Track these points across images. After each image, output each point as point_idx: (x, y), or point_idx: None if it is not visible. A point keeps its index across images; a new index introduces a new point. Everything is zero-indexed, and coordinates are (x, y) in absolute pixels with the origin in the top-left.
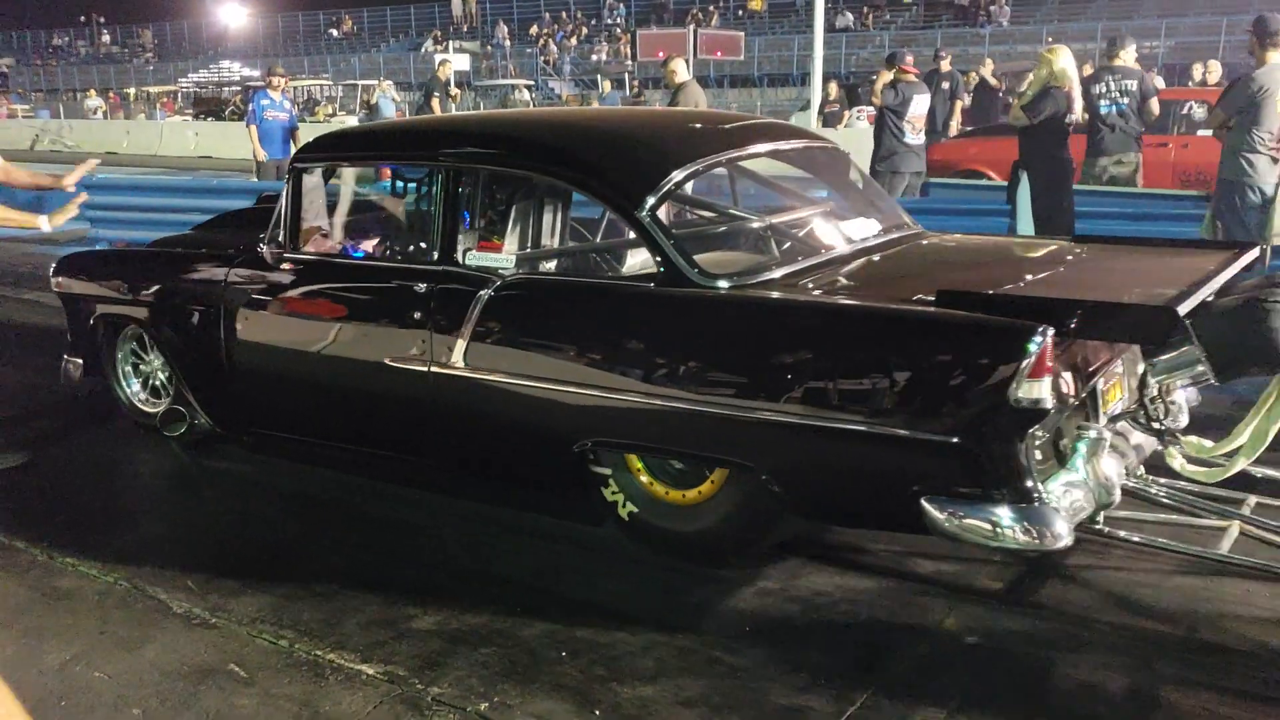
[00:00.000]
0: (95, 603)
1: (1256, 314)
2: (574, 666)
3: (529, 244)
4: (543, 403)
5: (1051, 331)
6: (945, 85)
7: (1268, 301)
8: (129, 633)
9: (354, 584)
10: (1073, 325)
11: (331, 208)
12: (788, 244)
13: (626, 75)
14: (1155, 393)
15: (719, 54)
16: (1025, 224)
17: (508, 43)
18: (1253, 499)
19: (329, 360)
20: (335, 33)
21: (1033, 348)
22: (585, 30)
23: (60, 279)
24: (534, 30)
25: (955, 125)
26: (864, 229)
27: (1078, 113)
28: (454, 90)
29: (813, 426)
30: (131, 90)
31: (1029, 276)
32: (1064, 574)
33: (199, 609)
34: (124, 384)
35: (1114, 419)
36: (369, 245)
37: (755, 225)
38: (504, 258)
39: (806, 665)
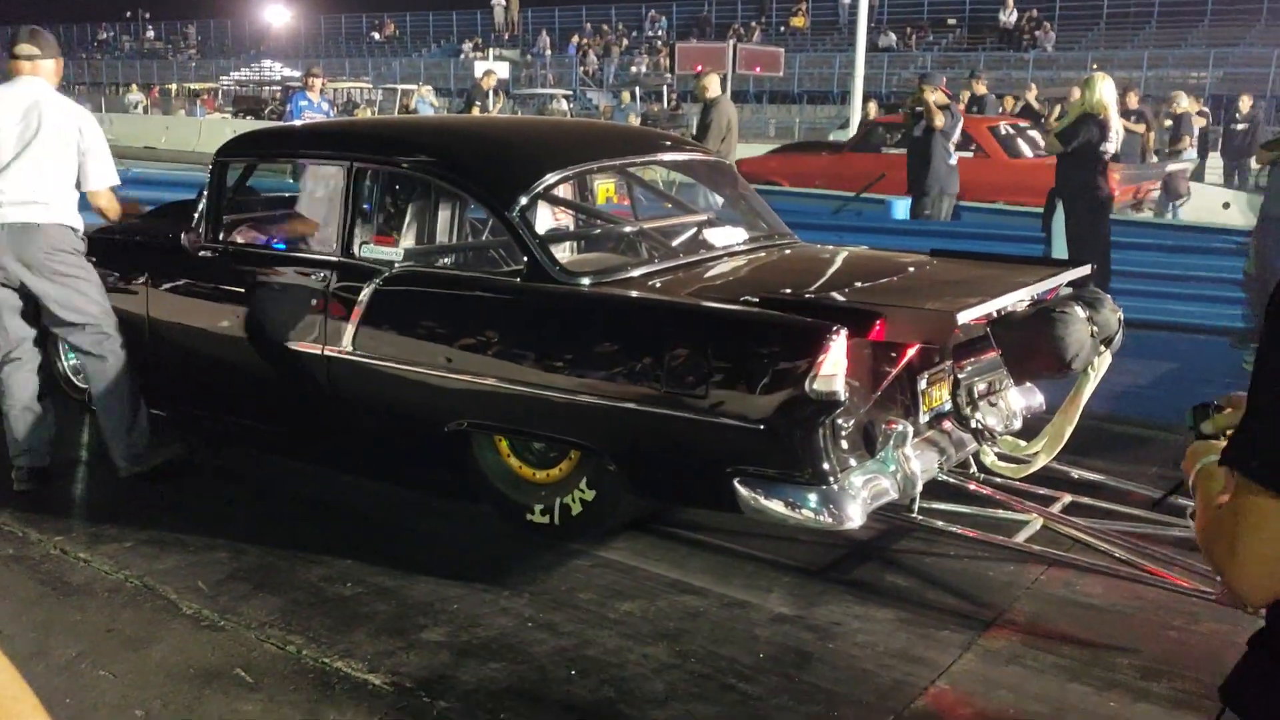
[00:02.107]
0: (105, 600)
1: (1047, 323)
2: (583, 686)
3: (421, 240)
4: (418, 386)
5: (845, 332)
6: (975, 110)
7: (1056, 312)
8: (137, 631)
9: (366, 591)
10: (870, 327)
11: (250, 202)
12: (653, 247)
13: (665, 88)
14: (966, 393)
15: (758, 69)
16: (1059, 252)
17: (548, 52)
18: (1067, 497)
19: (237, 343)
20: (377, 35)
21: (826, 345)
22: (625, 42)
23: None
24: (574, 40)
25: None
26: (730, 236)
27: (1115, 143)
28: (495, 101)
29: (644, 412)
30: (173, 86)
31: (858, 284)
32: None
33: (208, 610)
34: (60, 361)
35: (940, 417)
36: (280, 236)
37: (628, 229)
38: (395, 251)
39: (820, 695)
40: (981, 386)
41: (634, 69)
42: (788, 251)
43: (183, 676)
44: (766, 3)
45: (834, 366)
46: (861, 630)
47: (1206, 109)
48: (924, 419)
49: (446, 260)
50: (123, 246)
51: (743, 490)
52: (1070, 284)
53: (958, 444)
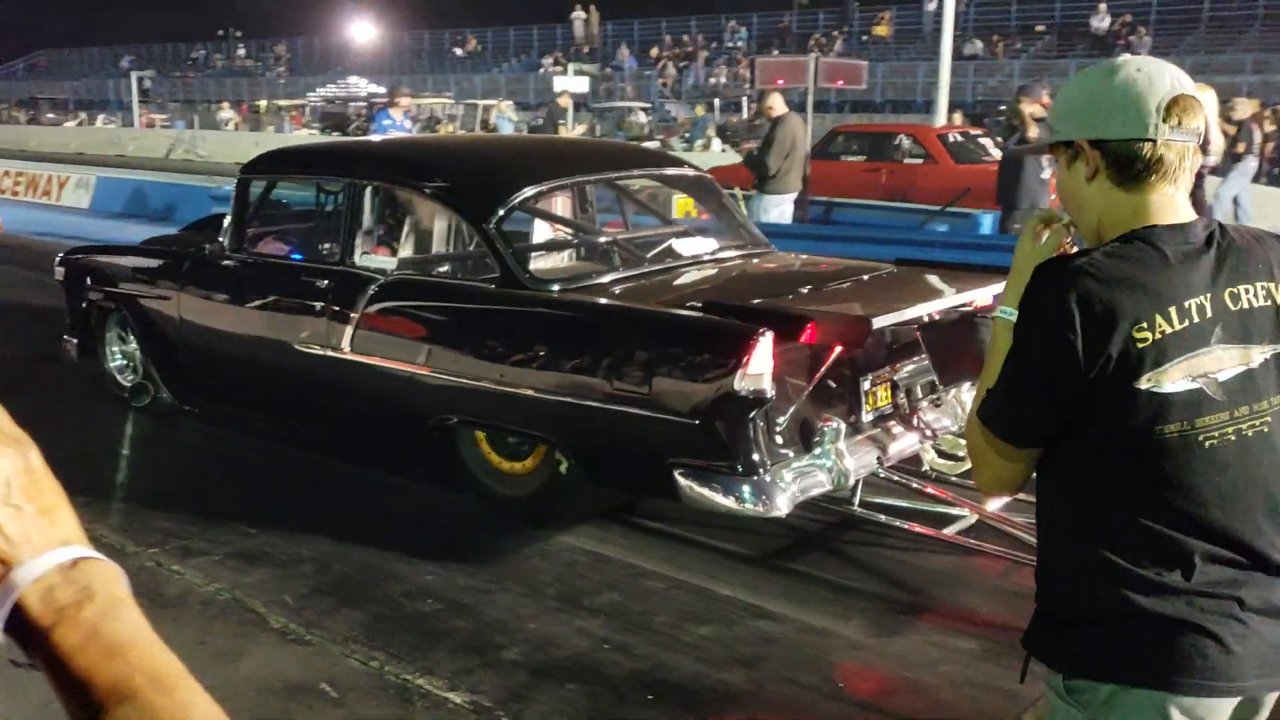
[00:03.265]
0: (198, 612)
1: (969, 328)
2: (660, 712)
3: (415, 250)
4: (404, 383)
5: (770, 334)
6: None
7: (979, 318)
8: (228, 644)
9: (444, 608)
10: (799, 331)
11: (268, 215)
12: (625, 256)
13: (745, 99)
14: (905, 393)
15: (840, 83)
16: None
17: (628, 65)
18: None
19: (253, 343)
20: (459, 51)
21: (752, 346)
22: (706, 54)
23: (61, 269)
24: (654, 52)
25: None
26: (699, 246)
27: (1214, 153)
28: (571, 120)
29: (595, 408)
30: (262, 103)
31: (802, 291)
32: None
33: (295, 624)
34: (109, 361)
35: (884, 416)
36: (293, 247)
37: (602, 240)
38: (389, 260)
39: None
40: (922, 387)
41: (713, 80)
42: (755, 261)
43: (271, 690)
44: (849, 11)
45: (760, 366)
46: (943, 660)
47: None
48: (867, 418)
49: (437, 269)
50: (160, 256)
51: (681, 480)
52: None
53: (900, 441)
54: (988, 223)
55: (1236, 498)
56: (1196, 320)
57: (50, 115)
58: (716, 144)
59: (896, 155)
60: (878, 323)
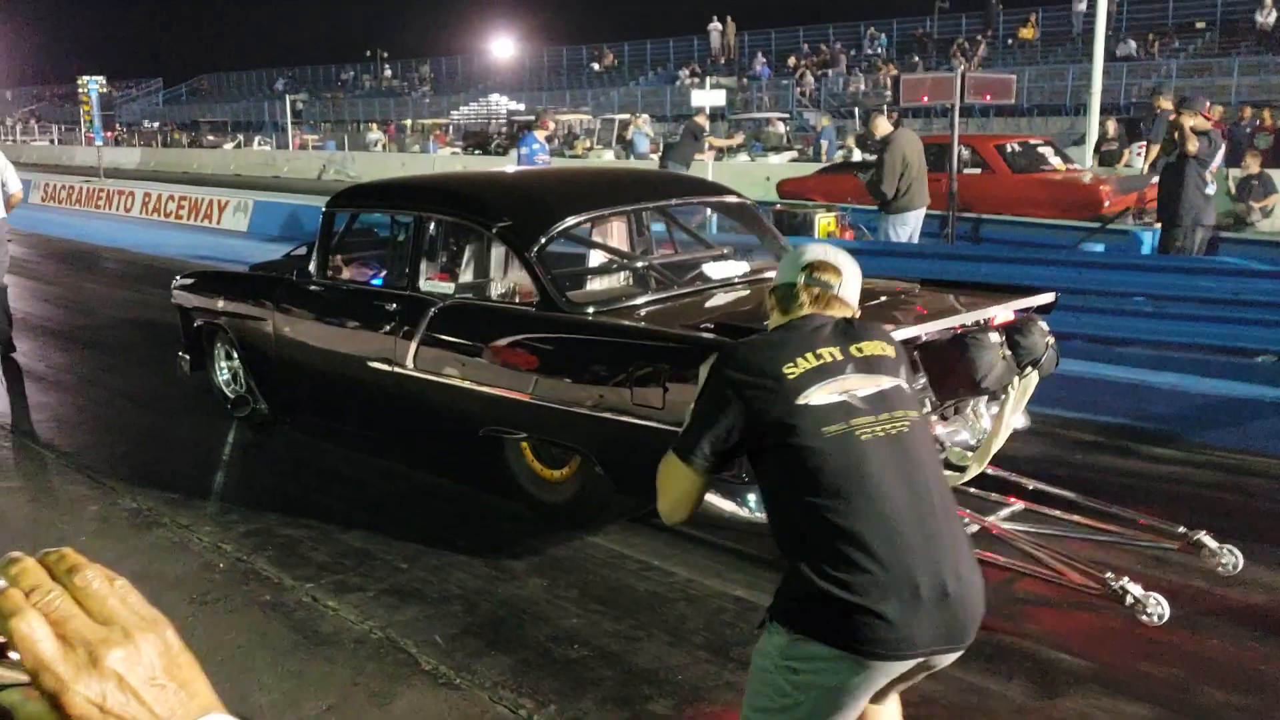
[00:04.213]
0: (351, 651)
1: (960, 347)
2: None
3: (471, 276)
4: (459, 396)
5: None
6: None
7: (970, 338)
8: (380, 686)
9: (592, 652)
10: None
11: (349, 244)
12: (659, 279)
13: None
14: None
15: (988, 98)
16: None
17: (764, 74)
18: (1020, 504)
19: (333, 359)
20: (596, 66)
21: None
22: (844, 61)
23: (176, 291)
24: (791, 61)
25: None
26: (730, 269)
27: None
28: (709, 136)
29: (619, 421)
30: (408, 122)
31: None
32: None
33: (445, 667)
34: (217, 376)
35: None
36: (369, 273)
37: (639, 264)
38: (448, 285)
39: None
40: (931, 403)
41: (853, 89)
42: None
43: None
44: (992, 15)
45: None
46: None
47: None
48: None
49: (488, 293)
50: (259, 280)
51: None
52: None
53: None
54: (1148, 240)
55: (892, 485)
56: (829, 360)
57: (210, 137)
58: (857, 154)
59: (945, 166)
60: None
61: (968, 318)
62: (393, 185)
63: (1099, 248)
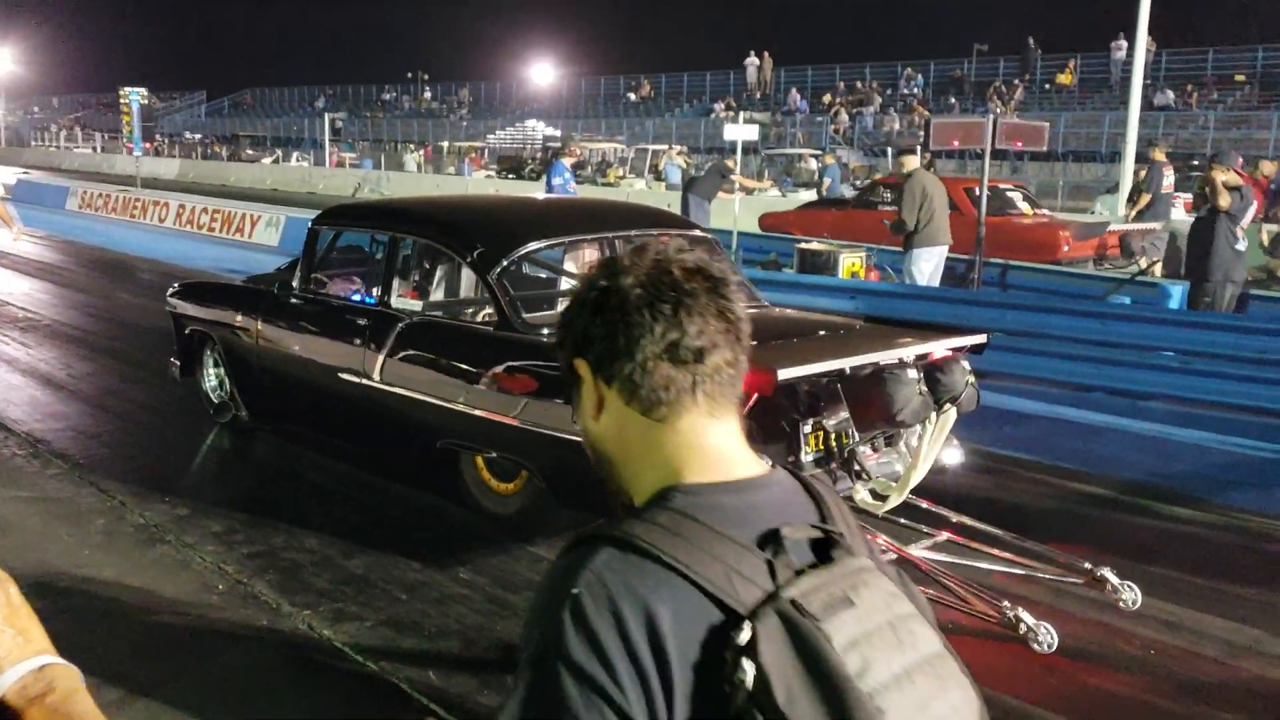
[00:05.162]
0: (343, 683)
1: (878, 381)
2: None
3: (438, 295)
4: (420, 409)
5: None
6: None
7: (888, 372)
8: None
9: None
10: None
11: (330, 260)
12: None
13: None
14: (836, 437)
15: (1019, 144)
16: None
17: (798, 111)
18: (941, 534)
19: (309, 369)
20: (632, 96)
21: None
22: (880, 100)
23: (170, 299)
24: (827, 99)
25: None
26: None
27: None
28: (735, 176)
29: (560, 438)
30: (445, 144)
31: (753, 343)
32: None
33: (440, 708)
34: (204, 382)
35: (823, 458)
36: (346, 288)
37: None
38: (416, 303)
39: None
40: (861, 434)
41: (887, 128)
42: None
43: None
44: (1030, 59)
45: None
46: None
47: None
48: (807, 458)
49: (453, 312)
50: (246, 291)
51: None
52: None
53: (837, 482)
54: (1177, 294)
55: None
56: None
57: (249, 151)
58: (849, 192)
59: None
60: (783, 374)
61: (895, 354)
62: (372, 206)
63: (1126, 300)
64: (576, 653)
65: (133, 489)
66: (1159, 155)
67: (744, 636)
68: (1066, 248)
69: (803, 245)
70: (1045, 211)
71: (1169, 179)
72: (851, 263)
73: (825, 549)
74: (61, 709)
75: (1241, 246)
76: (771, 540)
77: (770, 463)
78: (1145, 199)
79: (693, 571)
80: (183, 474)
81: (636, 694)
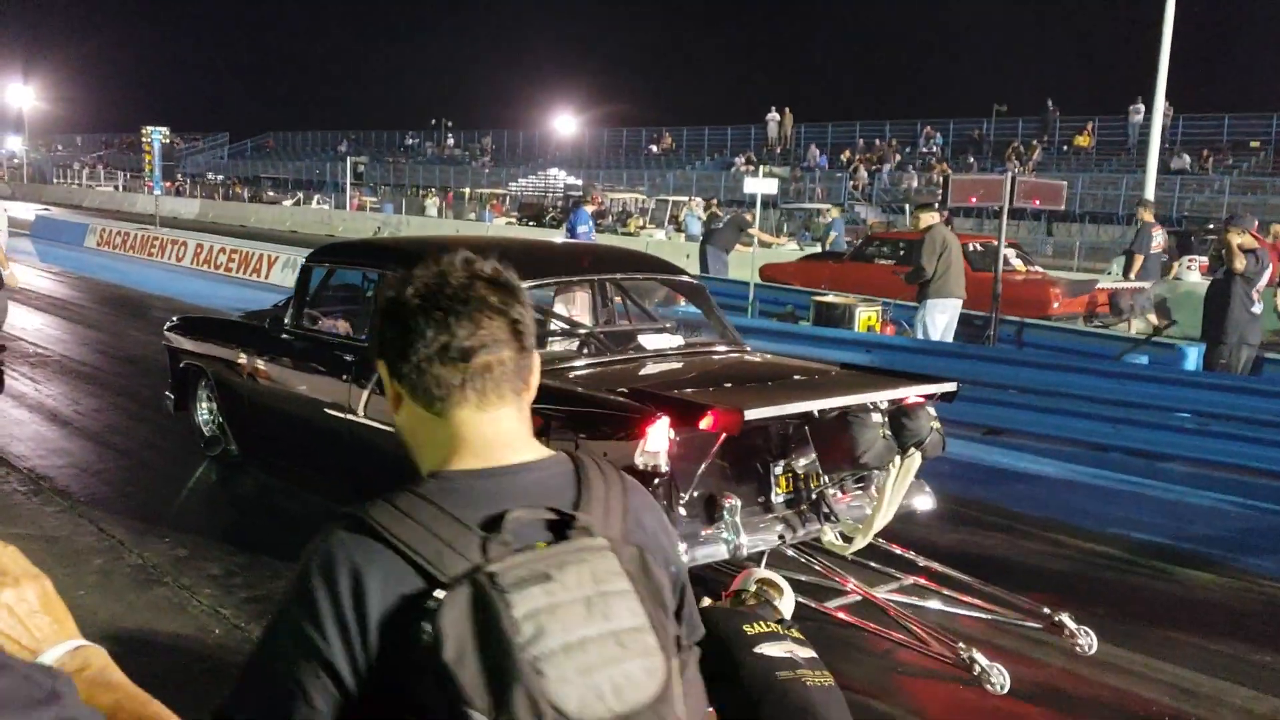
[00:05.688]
0: None
1: (844, 425)
2: None
3: None
4: (402, 445)
5: (665, 419)
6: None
7: (852, 415)
8: None
9: None
10: (698, 416)
11: (322, 296)
12: (596, 346)
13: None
14: (804, 479)
15: (1036, 203)
16: None
17: (817, 167)
18: (910, 578)
19: (297, 404)
20: (654, 148)
21: (647, 427)
22: (899, 158)
23: (167, 333)
24: (846, 155)
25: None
26: (665, 341)
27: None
28: (753, 230)
29: None
30: (467, 190)
31: (726, 385)
32: None
33: None
34: (196, 415)
35: (794, 500)
36: (336, 323)
37: (583, 331)
38: None
39: None
40: (831, 477)
41: (905, 185)
42: (714, 356)
43: None
44: (1049, 120)
45: (657, 444)
46: None
47: None
48: (778, 499)
49: None
50: (237, 326)
51: None
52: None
53: (806, 523)
54: (1193, 356)
55: None
56: None
57: (270, 193)
58: (844, 246)
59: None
60: (750, 414)
61: (862, 398)
62: (364, 244)
63: (1143, 359)
64: (294, 611)
65: (132, 528)
66: (1147, 216)
67: (432, 602)
68: (1057, 304)
69: (819, 298)
70: (1038, 268)
71: (1158, 239)
72: (868, 316)
73: (563, 528)
74: (100, 679)
75: (1257, 309)
76: (496, 521)
77: (555, 451)
78: (1139, 260)
79: (406, 546)
80: (183, 514)
81: (340, 646)
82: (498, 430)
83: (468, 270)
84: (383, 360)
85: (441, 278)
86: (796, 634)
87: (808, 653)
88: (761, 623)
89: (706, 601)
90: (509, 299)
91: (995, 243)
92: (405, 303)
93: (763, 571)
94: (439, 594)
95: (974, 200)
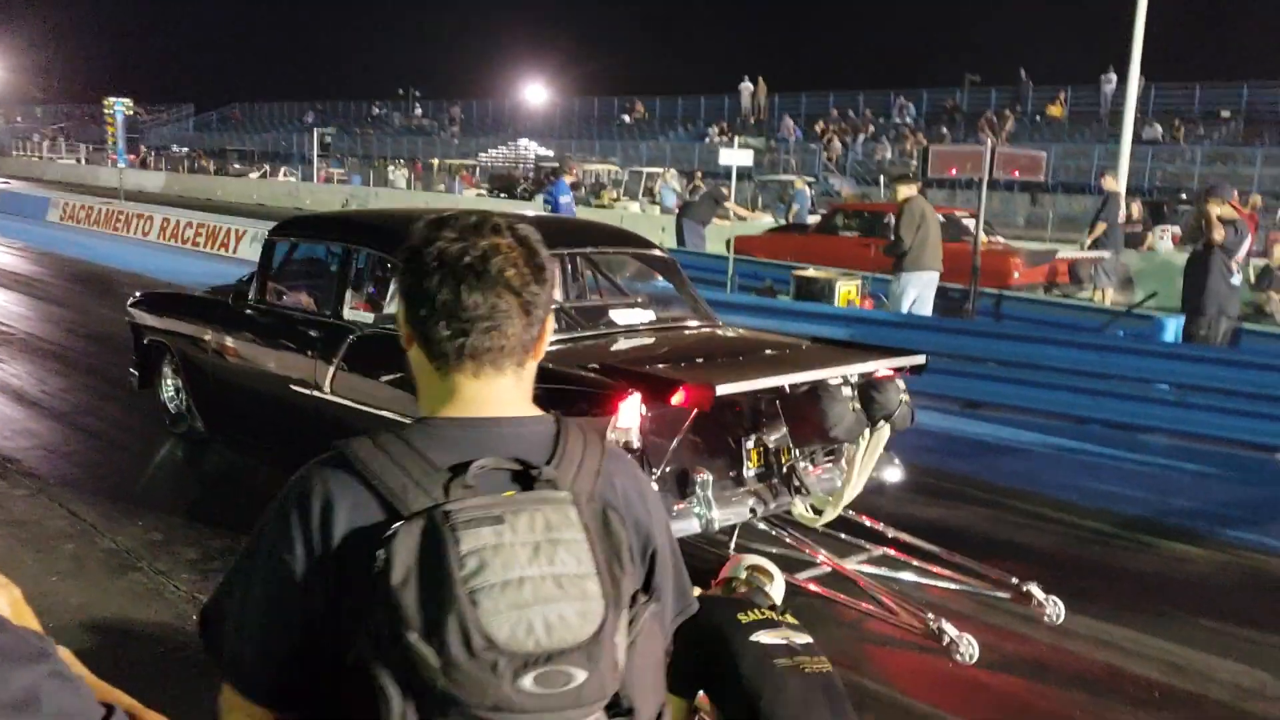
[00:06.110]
0: None
1: (813, 398)
2: None
3: (393, 307)
4: (368, 422)
5: (637, 395)
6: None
7: (823, 389)
8: None
9: None
10: (670, 392)
11: (287, 270)
12: (567, 321)
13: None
14: (775, 454)
15: (1016, 173)
16: None
17: (792, 138)
18: (879, 550)
19: (261, 380)
20: (627, 118)
21: (619, 402)
22: (872, 128)
23: (130, 309)
24: (820, 127)
25: None
26: (636, 316)
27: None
28: (728, 204)
29: None
30: (435, 161)
31: (698, 360)
32: None
33: None
34: (162, 392)
35: (765, 474)
36: (300, 298)
37: (553, 306)
38: (368, 315)
39: None
40: (802, 451)
41: (879, 156)
42: (686, 332)
43: None
44: (1022, 90)
45: (628, 420)
46: None
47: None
48: (749, 473)
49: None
50: (202, 302)
51: None
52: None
53: (777, 496)
54: (1171, 327)
55: None
56: None
57: (236, 165)
58: (814, 219)
59: (885, 232)
60: (721, 389)
61: (832, 372)
62: (327, 217)
63: (1121, 333)
64: (270, 528)
65: (104, 511)
66: (1112, 185)
67: (389, 532)
68: (1018, 274)
69: (799, 273)
70: (1000, 239)
71: (1125, 208)
72: (846, 290)
73: (529, 480)
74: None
75: (1236, 280)
76: (465, 466)
77: (545, 413)
78: (1101, 227)
79: (376, 479)
80: (157, 496)
81: (305, 561)
82: (492, 391)
83: (493, 240)
84: (400, 297)
85: (465, 243)
86: (791, 620)
87: (804, 639)
88: (756, 610)
89: (697, 590)
90: (527, 275)
91: (957, 214)
92: (425, 260)
93: (753, 558)
94: (397, 525)
95: (954, 172)
